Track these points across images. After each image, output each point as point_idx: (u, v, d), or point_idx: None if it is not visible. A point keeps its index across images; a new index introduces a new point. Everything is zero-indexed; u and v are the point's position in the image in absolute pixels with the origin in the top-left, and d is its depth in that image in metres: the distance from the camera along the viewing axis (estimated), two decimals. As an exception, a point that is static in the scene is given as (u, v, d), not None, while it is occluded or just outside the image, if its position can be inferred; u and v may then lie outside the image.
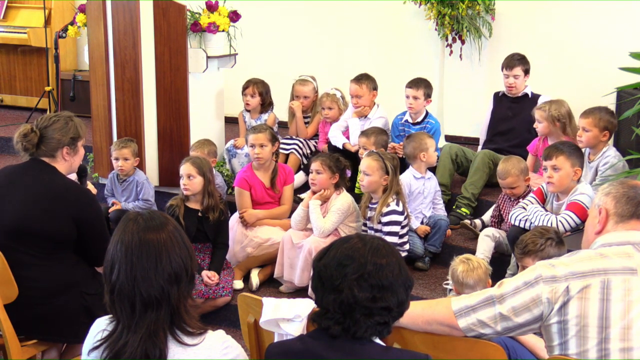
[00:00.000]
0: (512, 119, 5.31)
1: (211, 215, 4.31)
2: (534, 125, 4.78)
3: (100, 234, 3.30)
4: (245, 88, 5.53)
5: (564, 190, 4.00)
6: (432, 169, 4.93)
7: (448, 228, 4.66)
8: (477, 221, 4.70)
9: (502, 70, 5.31)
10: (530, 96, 5.27)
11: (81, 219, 3.22)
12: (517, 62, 5.23)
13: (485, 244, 4.29)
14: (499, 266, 4.17)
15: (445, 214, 4.78)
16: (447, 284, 4.08)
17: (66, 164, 3.32)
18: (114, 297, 1.97)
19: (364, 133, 4.96)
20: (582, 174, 4.29)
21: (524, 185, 4.37)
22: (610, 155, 4.36)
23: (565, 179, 3.96)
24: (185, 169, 4.33)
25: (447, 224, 4.62)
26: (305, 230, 4.48)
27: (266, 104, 5.53)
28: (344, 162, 4.49)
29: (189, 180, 4.31)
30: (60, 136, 3.26)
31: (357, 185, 4.85)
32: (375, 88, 5.28)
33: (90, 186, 3.79)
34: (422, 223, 4.61)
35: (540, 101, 5.19)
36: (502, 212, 4.49)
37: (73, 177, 3.58)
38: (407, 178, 4.62)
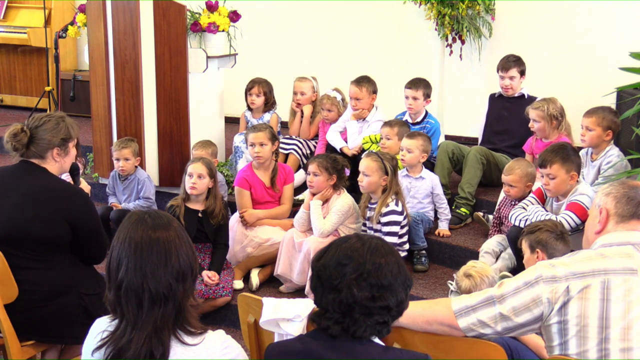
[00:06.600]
0: (508, 119, 5.28)
1: (214, 219, 4.32)
2: (530, 125, 4.78)
3: (95, 233, 3.27)
4: (250, 88, 5.54)
5: (562, 193, 4.01)
6: (430, 168, 4.93)
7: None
8: (490, 216, 4.69)
9: (497, 72, 5.29)
10: (526, 97, 5.23)
11: (75, 221, 3.17)
12: (512, 63, 5.20)
13: (489, 261, 4.23)
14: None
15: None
16: (451, 284, 4.07)
17: (57, 165, 3.25)
18: (120, 294, 1.98)
19: (387, 123, 4.95)
20: (585, 173, 4.28)
21: (524, 189, 4.32)
22: (613, 154, 4.34)
23: (561, 185, 3.97)
24: (196, 167, 4.32)
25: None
26: (307, 231, 4.48)
27: (269, 103, 5.57)
28: (341, 162, 4.48)
29: (199, 179, 4.30)
30: (50, 137, 3.19)
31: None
32: (375, 91, 5.27)
33: (83, 183, 3.72)
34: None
35: None
36: (501, 216, 4.47)
37: (65, 176, 3.55)
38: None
